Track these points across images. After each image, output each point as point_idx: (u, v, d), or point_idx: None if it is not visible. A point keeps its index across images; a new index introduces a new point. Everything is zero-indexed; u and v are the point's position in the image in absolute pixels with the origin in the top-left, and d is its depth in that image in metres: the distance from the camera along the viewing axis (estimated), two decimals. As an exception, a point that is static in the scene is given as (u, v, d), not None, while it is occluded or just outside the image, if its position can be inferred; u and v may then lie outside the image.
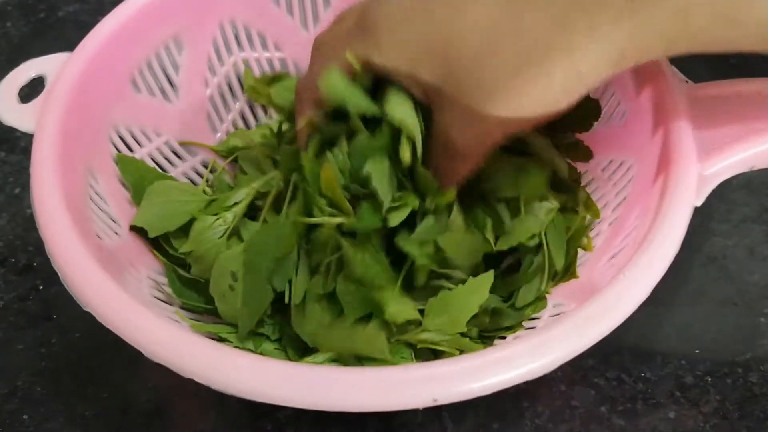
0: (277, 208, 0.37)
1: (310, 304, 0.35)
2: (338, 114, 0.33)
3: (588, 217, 0.39)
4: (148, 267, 0.38)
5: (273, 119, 0.49)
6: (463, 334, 0.34)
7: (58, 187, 0.32)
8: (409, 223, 0.33)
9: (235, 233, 0.38)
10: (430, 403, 0.26)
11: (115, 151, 0.40)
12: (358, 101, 0.32)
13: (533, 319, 0.37)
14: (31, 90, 0.37)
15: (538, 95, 0.27)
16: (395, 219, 0.32)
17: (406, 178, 0.33)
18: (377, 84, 0.32)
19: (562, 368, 0.26)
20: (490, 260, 0.36)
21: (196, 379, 0.26)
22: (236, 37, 0.46)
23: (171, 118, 0.44)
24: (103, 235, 0.35)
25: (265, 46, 0.47)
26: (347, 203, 0.32)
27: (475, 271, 0.35)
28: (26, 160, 0.36)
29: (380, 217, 0.32)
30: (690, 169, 0.32)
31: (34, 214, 0.32)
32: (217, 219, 0.38)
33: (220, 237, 0.37)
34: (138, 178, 0.40)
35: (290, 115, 0.40)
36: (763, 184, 0.48)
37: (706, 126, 0.33)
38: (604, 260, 0.36)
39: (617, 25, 0.26)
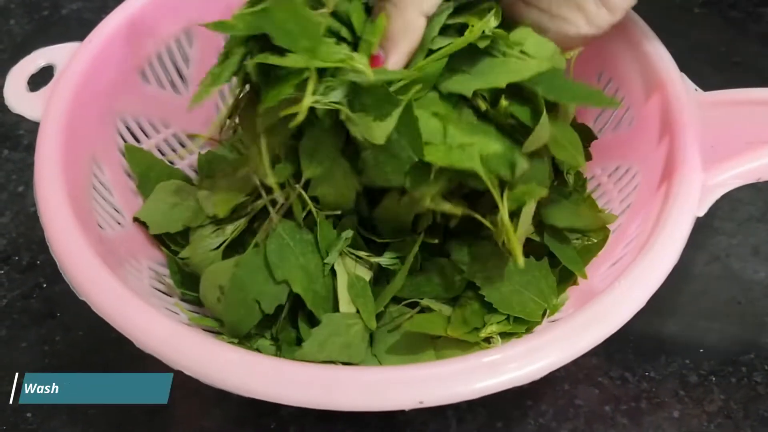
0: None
1: None
2: None
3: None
4: (149, 258, 0.38)
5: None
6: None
7: (62, 175, 0.32)
8: None
9: (232, 246, 0.37)
10: (416, 405, 0.25)
11: (122, 142, 0.40)
12: None
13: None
14: (42, 79, 0.37)
15: None
16: None
17: None
18: None
19: (566, 367, 0.26)
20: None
21: (186, 372, 0.27)
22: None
23: (179, 110, 0.44)
24: (105, 224, 0.35)
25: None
26: None
27: None
28: (29, 158, 0.36)
29: None
30: (693, 178, 0.31)
31: (36, 200, 0.32)
32: (217, 230, 0.38)
33: (215, 249, 0.37)
34: (145, 169, 0.40)
35: None
36: (768, 183, 0.47)
37: (713, 135, 0.33)
38: (605, 267, 0.36)
39: None
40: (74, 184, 0.33)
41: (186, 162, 0.44)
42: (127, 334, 0.28)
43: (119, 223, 0.37)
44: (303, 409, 0.26)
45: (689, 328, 0.42)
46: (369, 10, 0.32)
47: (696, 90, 0.35)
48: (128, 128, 0.41)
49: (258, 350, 0.35)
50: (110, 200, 0.37)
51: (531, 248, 0.36)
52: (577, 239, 0.38)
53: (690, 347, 0.41)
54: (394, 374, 0.26)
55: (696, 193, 0.31)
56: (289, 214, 0.36)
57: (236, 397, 0.26)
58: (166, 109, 0.43)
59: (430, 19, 0.31)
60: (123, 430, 0.39)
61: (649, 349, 0.40)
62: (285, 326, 0.36)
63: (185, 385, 0.39)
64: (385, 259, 0.36)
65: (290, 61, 0.28)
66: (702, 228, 0.44)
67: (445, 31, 0.32)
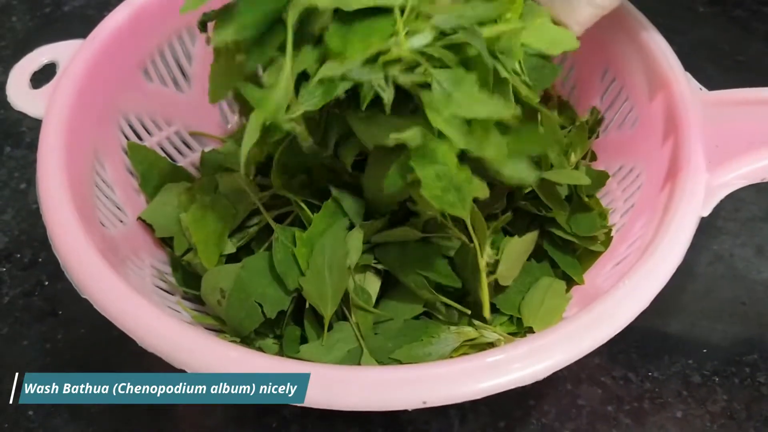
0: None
1: None
2: None
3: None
4: (152, 256, 0.38)
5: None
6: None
7: (64, 172, 0.32)
8: None
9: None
10: (419, 405, 0.25)
11: (125, 139, 0.40)
12: None
13: None
14: (45, 76, 0.37)
15: None
16: None
17: None
18: None
19: (568, 367, 0.26)
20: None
21: (187, 370, 0.27)
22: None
23: (182, 108, 0.44)
24: (107, 222, 0.35)
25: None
26: None
27: None
28: (31, 155, 0.36)
29: None
30: (698, 178, 0.31)
31: (38, 197, 0.32)
32: None
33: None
34: (147, 167, 0.40)
35: None
36: (771, 183, 0.47)
37: (717, 135, 0.33)
38: (609, 267, 0.35)
39: None
40: (76, 181, 0.33)
41: (188, 160, 0.44)
42: (129, 333, 0.28)
43: (121, 221, 0.37)
44: (304, 408, 0.26)
45: (692, 328, 0.41)
46: None
47: (701, 89, 0.35)
48: (131, 126, 0.40)
49: (261, 349, 0.35)
50: (112, 198, 0.37)
51: (534, 251, 0.36)
52: (578, 246, 0.38)
53: (693, 347, 0.41)
54: (397, 374, 0.26)
55: (700, 193, 0.31)
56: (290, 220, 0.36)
57: (238, 396, 0.26)
58: (169, 106, 0.43)
59: None
60: (125, 428, 0.39)
61: (652, 349, 0.40)
62: (288, 323, 0.36)
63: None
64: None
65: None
66: (705, 228, 0.44)
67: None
